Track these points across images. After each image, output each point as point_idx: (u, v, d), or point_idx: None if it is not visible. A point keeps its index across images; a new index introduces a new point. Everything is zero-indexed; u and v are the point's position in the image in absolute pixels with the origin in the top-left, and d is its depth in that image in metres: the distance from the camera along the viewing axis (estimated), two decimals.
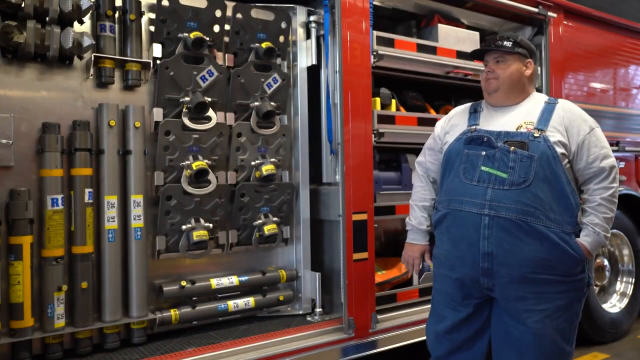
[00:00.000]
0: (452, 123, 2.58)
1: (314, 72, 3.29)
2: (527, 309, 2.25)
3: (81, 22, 2.59)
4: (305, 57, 3.27)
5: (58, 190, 2.51)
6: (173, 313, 2.82)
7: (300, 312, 3.26)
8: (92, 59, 2.62)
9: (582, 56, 4.34)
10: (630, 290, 4.66)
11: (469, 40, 3.75)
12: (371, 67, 3.20)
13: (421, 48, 3.49)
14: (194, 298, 2.91)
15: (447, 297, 2.45)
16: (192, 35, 2.81)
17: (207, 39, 2.87)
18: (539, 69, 4.10)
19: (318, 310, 3.20)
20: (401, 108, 3.57)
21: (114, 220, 2.65)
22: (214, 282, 2.95)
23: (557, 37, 4.14)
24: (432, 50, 3.54)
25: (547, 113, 2.35)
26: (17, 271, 2.41)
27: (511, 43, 2.40)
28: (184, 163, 2.82)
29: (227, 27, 3.02)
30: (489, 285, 2.30)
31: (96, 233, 2.64)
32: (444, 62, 3.58)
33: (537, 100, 2.45)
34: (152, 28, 2.84)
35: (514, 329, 2.28)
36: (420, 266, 2.73)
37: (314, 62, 3.23)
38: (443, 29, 3.65)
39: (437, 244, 2.50)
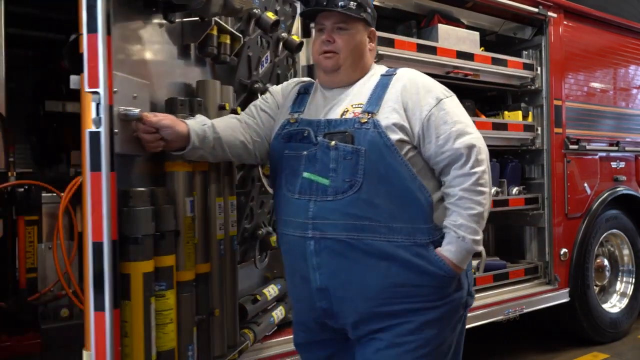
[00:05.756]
0: (284, 102, 1.98)
1: (314, 72, 3.28)
2: (381, 348, 1.73)
3: None
4: (305, 56, 3.26)
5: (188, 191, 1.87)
6: None
7: None
8: None
9: (582, 56, 4.33)
10: (630, 290, 4.66)
11: (469, 40, 3.76)
12: None
13: (421, 48, 3.48)
14: None
15: (303, 349, 1.98)
16: None
17: None
18: (539, 68, 4.11)
19: None
20: None
21: None
22: None
23: (557, 37, 4.14)
24: (432, 50, 3.54)
25: (380, 89, 1.79)
26: (169, 305, 1.71)
27: (356, 4, 1.80)
28: None
29: None
30: (339, 327, 1.82)
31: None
32: (444, 62, 3.58)
33: (372, 75, 1.87)
34: None
35: None
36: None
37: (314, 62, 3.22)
38: (443, 29, 3.65)
39: None
